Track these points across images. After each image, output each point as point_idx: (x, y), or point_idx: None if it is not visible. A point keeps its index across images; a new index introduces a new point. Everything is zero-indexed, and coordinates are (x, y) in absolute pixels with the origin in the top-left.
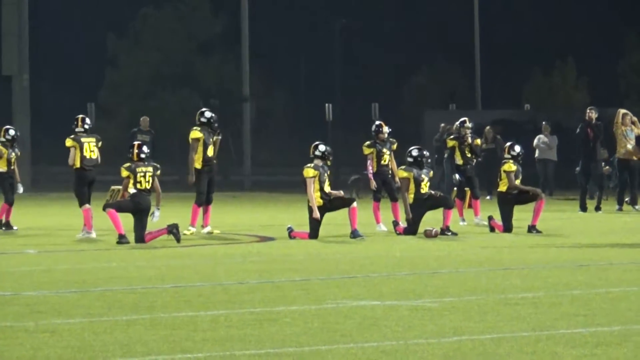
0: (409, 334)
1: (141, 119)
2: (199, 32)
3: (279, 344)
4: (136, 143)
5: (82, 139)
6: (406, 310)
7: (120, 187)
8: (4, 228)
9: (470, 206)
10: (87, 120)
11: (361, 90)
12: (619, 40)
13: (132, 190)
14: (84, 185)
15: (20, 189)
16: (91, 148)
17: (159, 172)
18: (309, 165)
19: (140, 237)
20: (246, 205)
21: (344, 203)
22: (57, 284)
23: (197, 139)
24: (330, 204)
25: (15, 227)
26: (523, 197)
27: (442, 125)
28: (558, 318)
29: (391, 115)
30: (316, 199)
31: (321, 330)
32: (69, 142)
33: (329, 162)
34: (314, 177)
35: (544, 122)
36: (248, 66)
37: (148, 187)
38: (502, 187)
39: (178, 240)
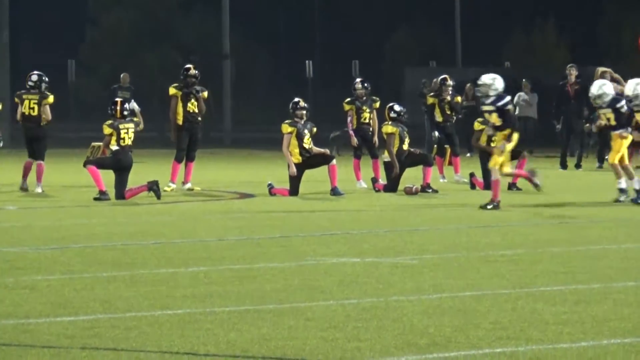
0: (389, 291)
1: (121, 75)
2: None
3: (259, 301)
4: (118, 100)
5: (24, 96)
6: (386, 268)
7: (100, 143)
8: None
9: (450, 163)
10: (33, 77)
11: (342, 47)
12: None
13: (114, 147)
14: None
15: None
16: (31, 105)
17: (140, 127)
18: (286, 121)
19: (120, 194)
20: (226, 162)
21: (324, 160)
22: (36, 241)
23: (174, 96)
24: (309, 161)
25: None
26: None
27: (424, 81)
28: (538, 275)
29: (372, 73)
30: (295, 156)
31: (301, 287)
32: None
33: (304, 118)
34: (291, 133)
35: (524, 80)
36: (228, 23)
37: (130, 144)
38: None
39: (158, 197)
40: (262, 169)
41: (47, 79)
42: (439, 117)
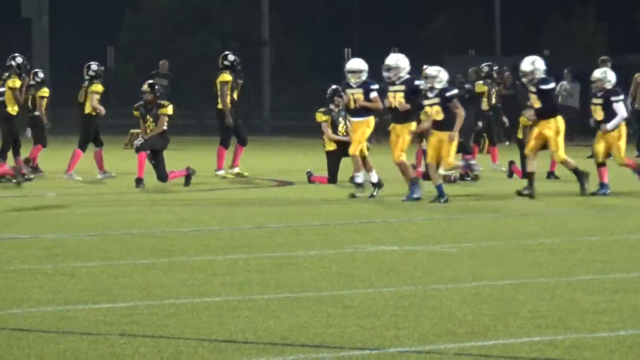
0: (427, 279)
1: (160, 62)
2: None
3: (298, 289)
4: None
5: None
6: (424, 256)
7: (138, 130)
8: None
9: (488, 152)
10: (93, 67)
11: (381, 35)
12: None
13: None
14: None
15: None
16: (81, 92)
17: (96, 86)
18: (320, 109)
19: (163, 176)
20: (265, 149)
21: None
22: (75, 227)
23: (227, 82)
24: (346, 148)
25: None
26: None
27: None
28: (576, 264)
29: (410, 60)
30: (330, 144)
31: (339, 275)
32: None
33: (340, 106)
34: (326, 121)
35: (565, 70)
36: (267, 9)
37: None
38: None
39: (186, 184)
40: (301, 156)
41: (102, 68)
42: (485, 106)
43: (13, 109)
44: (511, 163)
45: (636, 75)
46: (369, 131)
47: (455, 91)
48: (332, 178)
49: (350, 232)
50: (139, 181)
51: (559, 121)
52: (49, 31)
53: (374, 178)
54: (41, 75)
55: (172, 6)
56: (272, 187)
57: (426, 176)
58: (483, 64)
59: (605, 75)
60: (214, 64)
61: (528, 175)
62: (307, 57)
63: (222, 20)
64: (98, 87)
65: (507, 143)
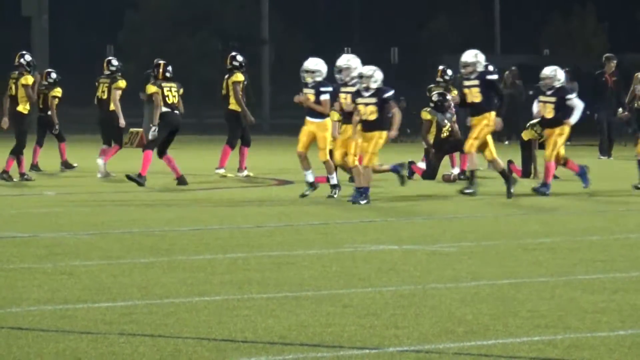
0: (427, 279)
1: (154, 61)
2: None
3: (297, 288)
4: (162, 62)
5: (100, 80)
6: (424, 255)
7: (139, 129)
8: (63, 167)
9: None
10: (114, 62)
11: (380, 34)
12: None
13: (163, 109)
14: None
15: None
16: (102, 89)
17: (181, 90)
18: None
19: (162, 152)
20: (264, 148)
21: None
22: (75, 226)
23: (240, 82)
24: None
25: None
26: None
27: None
28: (576, 263)
29: (410, 60)
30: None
31: (339, 274)
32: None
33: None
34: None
35: (565, 69)
36: (267, 8)
37: (176, 102)
38: (525, 135)
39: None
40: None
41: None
42: None
43: (25, 108)
44: (510, 162)
45: (636, 74)
46: (328, 134)
47: (392, 92)
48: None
49: (349, 231)
50: (139, 176)
51: (492, 116)
52: (48, 30)
53: (310, 178)
54: (54, 75)
55: (172, 6)
56: (271, 186)
57: (425, 176)
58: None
59: (555, 73)
60: (213, 62)
61: (470, 173)
62: (307, 56)
63: (222, 19)
64: (122, 84)
65: (506, 142)
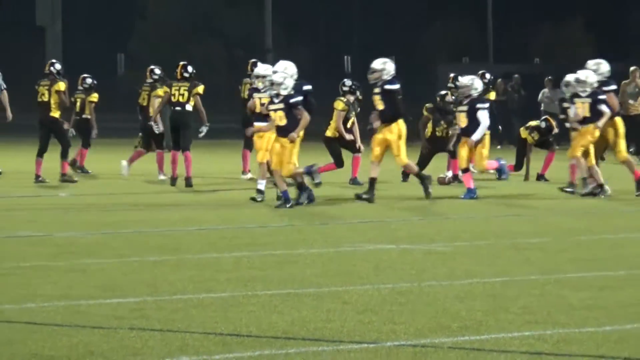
0: (423, 277)
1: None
2: None
3: (299, 285)
4: (181, 63)
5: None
6: (420, 254)
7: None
8: (79, 171)
9: None
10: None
11: (379, 43)
12: None
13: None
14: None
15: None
16: (181, 92)
17: (199, 88)
18: (341, 98)
19: (184, 148)
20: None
21: (352, 149)
22: (87, 226)
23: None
24: (342, 142)
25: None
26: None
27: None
28: (565, 262)
29: (407, 68)
30: (333, 132)
31: (339, 272)
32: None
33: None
34: (343, 110)
35: (546, 78)
36: (271, 19)
37: (183, 100)
38: (523, 132)
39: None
40: (302, 157)
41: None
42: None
43: (58, 113)
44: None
45: (623, 83)
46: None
47: (299, 98)
48: (339, 161)
49: (349, 231)
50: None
51: (401, 125)
52: (61, 38)
53: (261, 185)
54: (89, 80)
55: (180, 15)
56: (273, 188)
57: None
58: (480, 71)
59: (472, 82)
60: (219, 70)
61: (370, 180)
62: (307, 64)
63: (227, 28)
64: (161, 92)
65: (498, 147)
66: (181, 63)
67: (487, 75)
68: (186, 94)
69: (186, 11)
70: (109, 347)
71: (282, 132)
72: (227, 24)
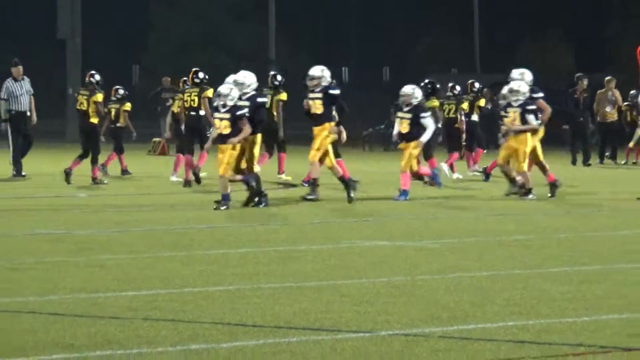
0: (415, 271)
1: (163, 79)
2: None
3: (300, 279)
4: (193, 69)
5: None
6: (412, 250)
7: (159, 139)
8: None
9: (462, 157)
10: (200, 75)
11: (374, 55)
12: (604, 8)
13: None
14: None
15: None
16: (192, 97)
17: (208, 92)
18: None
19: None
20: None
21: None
22: (104, 224)
23: (284, 100)
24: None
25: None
26: None
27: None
28: (546, 258)
29: (400, 78)
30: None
31: (338, 267)
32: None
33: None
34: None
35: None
36: (274, 31)
37: (194, 105)
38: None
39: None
40: (300, 163)
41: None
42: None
43: (96, 120)
44: (485, 169)
45: (598, 92)
46: (256, 147)
47: (244, 111)
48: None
49: (346, 229)
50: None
51: (331, 126)
52: (81, 51)
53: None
54: (121, 91)
55: (190, 29)
56: (276, 189)
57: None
58: (470, 81)
59: (414, 91)
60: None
61: (312, 181)
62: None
63: (234, 40)
64: (210, 92)
65: (485, 151)
66: (193, 70)
67: (477, 85)
68: (197, 99)
69: (196, 25)
70: (125, 336)
71: (223, 139)
72: (234, 37)
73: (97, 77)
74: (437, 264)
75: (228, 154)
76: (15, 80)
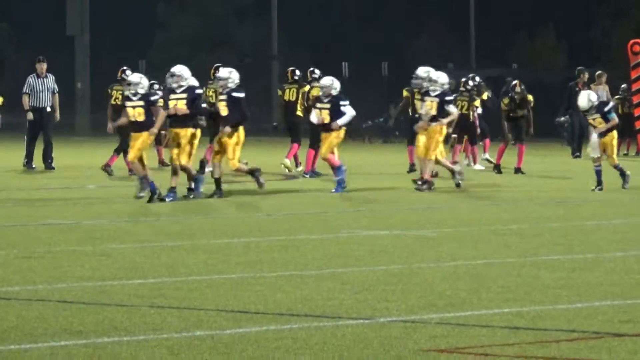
0: (413, 259)
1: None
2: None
3: (302, 267)
4: (215, 65)
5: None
6: (410, 239)
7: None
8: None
9: (463, 150)
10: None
11: (373, 51)
12: (593, 8)
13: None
14: None
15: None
16: (292, 93)
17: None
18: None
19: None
20: (272, 148)
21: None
22: (112, 215)
23: (305, 93)
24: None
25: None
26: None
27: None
28: (540, 246)
29: (398, 72)
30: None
31: (338, 256)
32: None
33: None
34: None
35: (515, 80)
36: (276, 29)
37: (213, 101)
38: None
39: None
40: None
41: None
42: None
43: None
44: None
45: (591, 86)
46: (195, 142)
47: (156, 97)
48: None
49: (346, 219)
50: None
51: (241, 131)
52: (89, 47)
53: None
54: (155, 86)
55: (196, 25)
56: (279, 180)
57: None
58: (470, 75)
59: (332, 83)
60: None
61: (215, 180)
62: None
63: (237, 37)
64: (315, 91)
65: (480, 143)
66: (215, 65)
67: (477, 79)
68: (214, 95)
69: (201, 22)
70: (131, 322)
71: (138, 127)
72: (237, 34)
73: (129, 72)
74: (434, 252)
75: (140, 140)
76: (38, 76)
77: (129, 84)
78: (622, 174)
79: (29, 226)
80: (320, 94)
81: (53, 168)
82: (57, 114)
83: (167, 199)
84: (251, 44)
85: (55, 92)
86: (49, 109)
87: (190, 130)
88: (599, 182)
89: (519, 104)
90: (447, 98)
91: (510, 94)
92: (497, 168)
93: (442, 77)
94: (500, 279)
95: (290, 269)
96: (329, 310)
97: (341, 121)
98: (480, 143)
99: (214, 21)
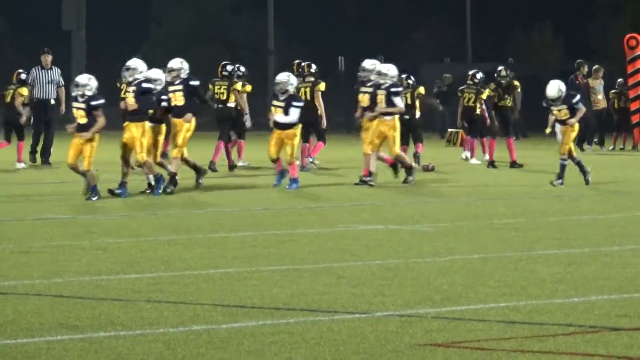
0: (409, 254)
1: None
2: None
3: (298, 261)
4: (222, 62)
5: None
6: (406, 234)
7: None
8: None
9: (461, 144)
10: (228, 67)
11: (370, 44)
12: (590, 2)
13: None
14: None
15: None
16: (221, 90)
17: (237, 85)
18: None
19: (226, 139)
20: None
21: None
22: (108, 209)
23: (322, 90)
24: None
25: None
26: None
27: (437, 81)
28: (536, 241)
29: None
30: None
31: (334, 250)
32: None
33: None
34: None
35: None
36: (272, 23)
37: (222, 98)
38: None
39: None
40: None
41: (243, 70)
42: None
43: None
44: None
45: (588, 80)
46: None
47: (101, 101)
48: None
49: (342, 213)
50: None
51: (192, 121)
52: (85, 42)
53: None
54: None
55: (191, 19)
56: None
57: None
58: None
59: (289, 79)
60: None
61: (171, 176)
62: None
63: (233, 32)
64: (239, 86)
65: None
66: (222, 63)
67: (479, 75)
68: (225, 92)
69: (195, 16)
70: (128, 317)
71: (81, 129)
72: (233, 28)
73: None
74: (430, 247)
75: (89, 146)
76: (43, 68)
77: (77, 85)
78: (561, 169)
79: (26, 221)
80: (276, 90)
81: (49, 163)
82: (63, 107)
83: (118, 192)
84: (247, 39)
85: (61, 84)
86: (52, 102)
87: (144, 125)
88: (559, 177)
89: (506, 89)
90: (394, 90)
91: (497, 79)
92: (492, 164)
93: (391, 70)
94: (496, 274)
95: (286, 263)
96: (325, 305)
97: (281, 118)
98: (485, 140)
99: (209, 15)
